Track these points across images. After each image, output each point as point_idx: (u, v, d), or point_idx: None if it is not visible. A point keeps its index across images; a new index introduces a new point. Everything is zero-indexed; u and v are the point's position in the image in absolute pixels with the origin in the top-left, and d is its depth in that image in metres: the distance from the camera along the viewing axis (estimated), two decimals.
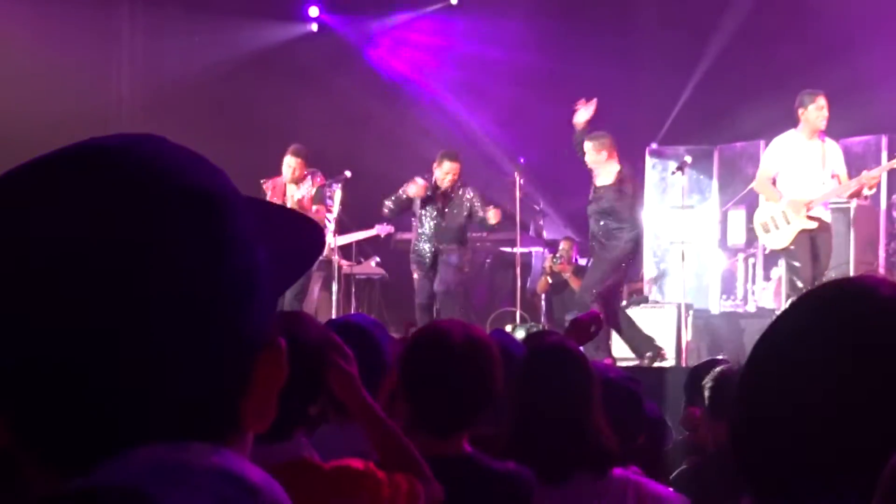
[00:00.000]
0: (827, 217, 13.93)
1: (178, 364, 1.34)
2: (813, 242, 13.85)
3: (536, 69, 18.72)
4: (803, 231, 13.82)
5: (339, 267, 16.59)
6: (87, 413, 1.33)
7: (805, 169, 13.90)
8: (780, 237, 14.07)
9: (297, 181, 15.70)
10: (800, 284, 13.73)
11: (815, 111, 13.80)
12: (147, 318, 1.31)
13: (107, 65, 19.40)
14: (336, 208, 16.52)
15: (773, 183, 14.14)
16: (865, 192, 13.94)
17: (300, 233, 1.61)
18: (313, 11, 21.69)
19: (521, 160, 16.66)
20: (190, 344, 1.34)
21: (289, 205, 14.62)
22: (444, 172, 15.13)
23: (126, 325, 1.31)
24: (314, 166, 16.11)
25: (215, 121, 18.39)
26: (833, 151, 14.03)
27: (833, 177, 13.92)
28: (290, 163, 15.67)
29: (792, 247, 14.02)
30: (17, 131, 15.54)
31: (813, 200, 13.78)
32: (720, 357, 9.17)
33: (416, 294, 15.41)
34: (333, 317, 14.39)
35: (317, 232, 1.65)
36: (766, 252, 14.61)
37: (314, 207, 15.26)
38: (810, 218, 13.78)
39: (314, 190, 15.78)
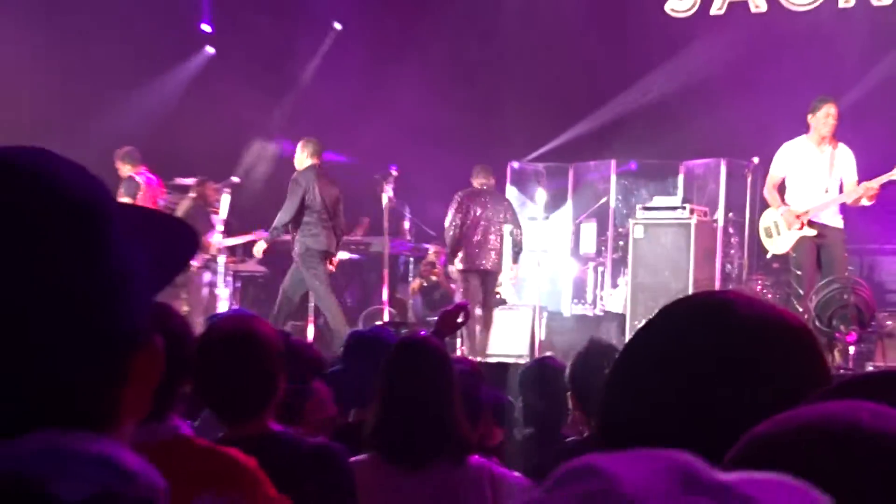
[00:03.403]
0: (837, 223, 13.20)
1: (55, 357, 1.35)
2: (818, 250, 13.24)
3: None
4: (804, 238, 13.18)
5: (225, 264, 16.51)
6: None
7: (810, 175, 13.21)
8: (780, 243, 13.47)
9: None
10: (800, 291, 13.13)
11: (823, 118, 13.04)
12: (27, 315, 1.33)
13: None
14: (224, 212, 16.48)
15: (781, 186, 13.39)
16: (864, 202, 13.04)
17: (173, 235, 1.62)
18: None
19: (392, 169, 16.62)
20: (67, 338, 1.35)
21: None
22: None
23: (7, 321, 1.32)
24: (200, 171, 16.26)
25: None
26: (843, 158, 13.21)
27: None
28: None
29: (793, 253, 13.36)
30: None
31: (808, 211, 13.12)
32: (548, 354, 9.24)
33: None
34: (219, 310, 14.36)
35: (189, 232, 1.65)
36: (769, 256, 14.11)
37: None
38: (811, 225, 13.11)
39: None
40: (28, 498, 1.30)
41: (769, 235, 13.62)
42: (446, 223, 15.24)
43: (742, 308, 1.92)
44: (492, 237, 15.13)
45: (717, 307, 1.94)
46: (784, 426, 1.35)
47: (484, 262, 15.15)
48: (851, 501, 0.90)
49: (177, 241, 1.62)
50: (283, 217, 14.87)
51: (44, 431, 1.35)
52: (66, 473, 1.32)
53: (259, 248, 15.48)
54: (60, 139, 13.82)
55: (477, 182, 15.56)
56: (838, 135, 13.25)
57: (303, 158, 15.21)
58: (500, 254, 15.15)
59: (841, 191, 13.13)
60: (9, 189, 1.37)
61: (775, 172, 13.47)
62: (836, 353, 12.96)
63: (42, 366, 1.35)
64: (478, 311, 15.19)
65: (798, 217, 13.20)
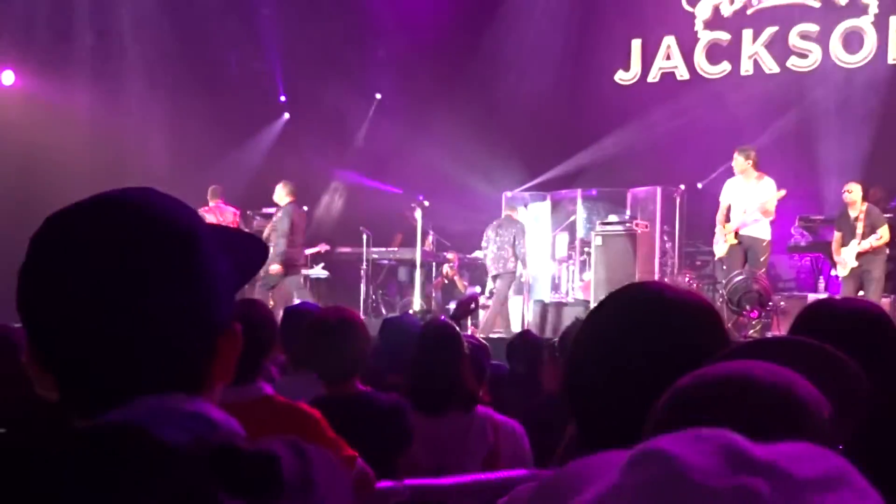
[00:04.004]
0: (757, 233, 13.35)
1: (168, 339, 1.40)
2: (745, 253, 13.41)
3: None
4: (733, 245, 13.39)
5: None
6: (106, 374, 1.40)
7: (737, 202, 13.44)
8: (719, 249, 13.74)
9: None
10: (723, 281, 13.35)
11: (740, 162, 13.39)
12: (146, 311, 1.38)
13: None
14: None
15: (728, 211, 13.56)
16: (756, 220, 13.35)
17: (249, 246, 1.64)
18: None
19: (420, 198, 16.63)
20: (175, 327, 1.40)
21: None
22: None
23: (132, 316, 1.37)
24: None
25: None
26: (761, 188, 13.37)
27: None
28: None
29: (725, 256, 13.58)
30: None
31: (735, 228, 13.37)
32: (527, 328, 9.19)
33: None
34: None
35: (260, 245, 1.68)
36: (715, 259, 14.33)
37: None
38: (737, 237, 13.33)
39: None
40: (142, 441, 1.34)
41: (716, 243, 13.87)
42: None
43: (667, 293, 1.96)
44: (504, 251, 15.37)
45: (650, 293, 1.98)
46: (699, 380, 1.33)
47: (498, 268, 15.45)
48: (747, 436, 0.88)
49: (251, 251, 1.64)
50: (281, 243, 14.44)
51: (153, 394, 1.40)
52: (169, 424, 1.37)
53: (275, 269, 14.50)
54: (182, 184, 13.91)
55: (504, 212, 16.24)
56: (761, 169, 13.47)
57: (283, 195, 14.89)
58: (507, 262, 15.36)
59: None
60: (122, 219, 1.41)
61: (721, 201, 13.69)
62: (742, 326, 12.99)
63: (153, 347, 1.40)
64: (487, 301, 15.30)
65: (724, 234, 13.56)
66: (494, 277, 15.59)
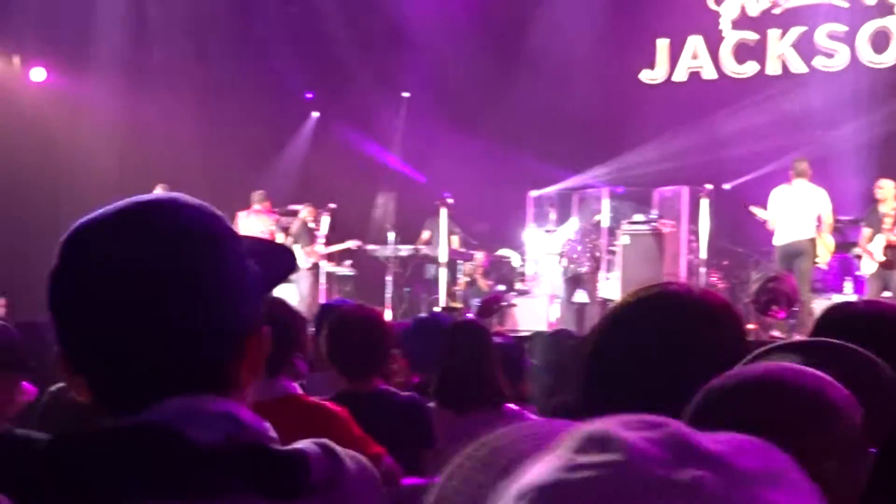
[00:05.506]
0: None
1: (196, 341, 1.42)
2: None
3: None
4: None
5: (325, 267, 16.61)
6: (136, 376, 1.41)
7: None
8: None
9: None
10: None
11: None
12: (175, 314, 1.40)
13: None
14: (324, 228, 16.57)
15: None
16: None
17: (278, 254, 1.67)
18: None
19: (447, 196, 16.62)
20: (204, 329, 1.42)
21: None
22: None
23: (161, 318, 1.39)
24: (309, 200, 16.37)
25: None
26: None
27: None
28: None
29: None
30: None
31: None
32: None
33: None
34: (322, 300, 14.38)
35: (289, 253, 1.72)
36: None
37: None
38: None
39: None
40: (171, 442, 1.36)
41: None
42: None
43: (685, 294, 2.04)
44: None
45: (670, 293, 2.04)
46: (732, 381, 1.33)
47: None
48: (778, 438, 0.87)
49: (279, 258, 1.66)
50: None
51: (183, 395, 1.41)
52: (199, 424, 1.38)
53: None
54: (224, 190, 14.02)
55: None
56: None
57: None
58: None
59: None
60: (151, 223, 1.43)
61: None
62: (769, 326, 12.98)
63: (182, 348, 1.41)
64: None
65: None
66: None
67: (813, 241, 13.50)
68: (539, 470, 0.79)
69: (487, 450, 1.08)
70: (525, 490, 0.78)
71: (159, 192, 11.88)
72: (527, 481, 0.79)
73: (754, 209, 13.98)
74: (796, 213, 13.46)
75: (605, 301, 15.23)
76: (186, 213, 1.45)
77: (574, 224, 15.84)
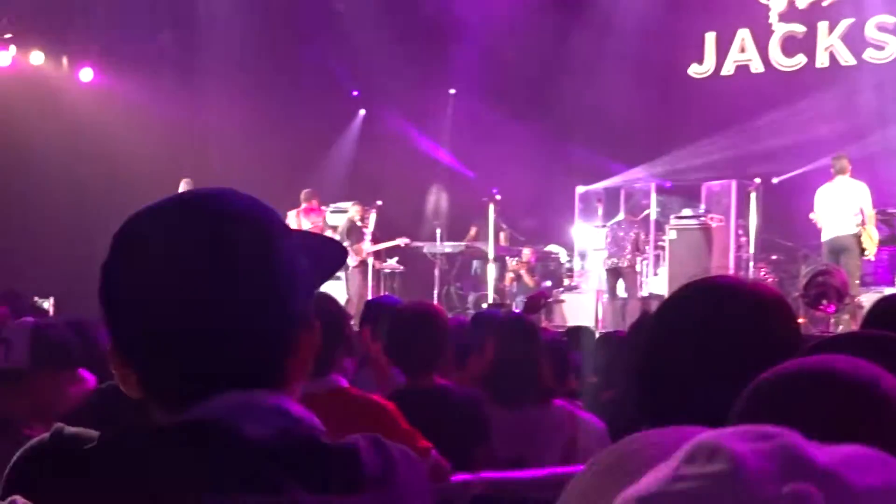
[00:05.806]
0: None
1: (249, 336, 1.41)
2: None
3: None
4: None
5: (373, 264, 16.62)
6: (190, 371, 1.40)
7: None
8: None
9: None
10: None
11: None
12: (227, 308, 1.39)
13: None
14: (372, 225, 16.60)
15: None
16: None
17: (328, 248, 1.68)
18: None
19: (495, 192, 16.60)
20: (256, 323, 1.41)
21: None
22: None
23: (214, 313, 1.38)
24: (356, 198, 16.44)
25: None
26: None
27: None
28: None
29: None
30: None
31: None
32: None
33: None
34: (370, 297, 14.41)
35: (339, 248, 1.73)
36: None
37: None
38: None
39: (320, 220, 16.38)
40: (226, 436, 1.37)
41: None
42: None
43: (737, 286, 2.05)
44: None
45: (723, 285, 2.07)
46: (784, 373, 1.31)
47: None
48: (832, 430, 0.86)
49: (330, 252, 1.66)
50: None
51: (235, 390, 1.40)
52: (252, 419, 1.38)
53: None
54: (273, 189, 14.10)
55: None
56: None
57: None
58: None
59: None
60: (204, 216, 1.42)
61: None
62: (819, 321, 12.89)
63: (236, 343, 1.40)
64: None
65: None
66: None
67: (856, 236, 13.38)
68: (648, 479, 0.79)
69: (615, 456, 1.07)
70: (628, 500, 0.78)
71: (184, 187, 11.88)
72: (631, 491, 0.79)
73: (813, 216, 13.84)
74: (838, 209, 13.36)
75: (645, 298, 15.13)
76: (239, 205, 1.44)
77: (620, 218, 15.76)
